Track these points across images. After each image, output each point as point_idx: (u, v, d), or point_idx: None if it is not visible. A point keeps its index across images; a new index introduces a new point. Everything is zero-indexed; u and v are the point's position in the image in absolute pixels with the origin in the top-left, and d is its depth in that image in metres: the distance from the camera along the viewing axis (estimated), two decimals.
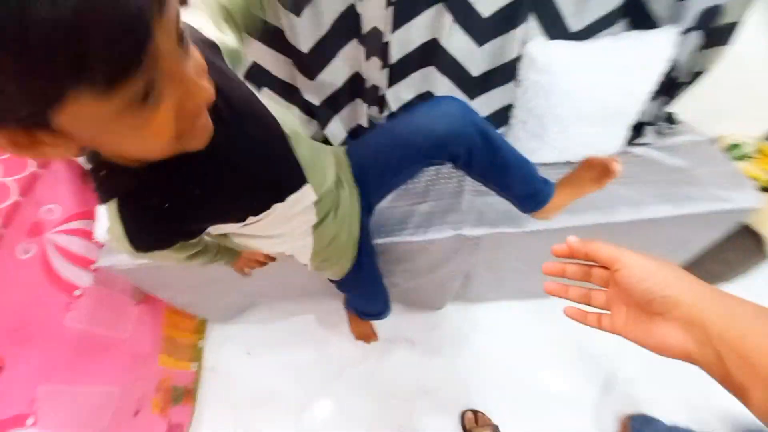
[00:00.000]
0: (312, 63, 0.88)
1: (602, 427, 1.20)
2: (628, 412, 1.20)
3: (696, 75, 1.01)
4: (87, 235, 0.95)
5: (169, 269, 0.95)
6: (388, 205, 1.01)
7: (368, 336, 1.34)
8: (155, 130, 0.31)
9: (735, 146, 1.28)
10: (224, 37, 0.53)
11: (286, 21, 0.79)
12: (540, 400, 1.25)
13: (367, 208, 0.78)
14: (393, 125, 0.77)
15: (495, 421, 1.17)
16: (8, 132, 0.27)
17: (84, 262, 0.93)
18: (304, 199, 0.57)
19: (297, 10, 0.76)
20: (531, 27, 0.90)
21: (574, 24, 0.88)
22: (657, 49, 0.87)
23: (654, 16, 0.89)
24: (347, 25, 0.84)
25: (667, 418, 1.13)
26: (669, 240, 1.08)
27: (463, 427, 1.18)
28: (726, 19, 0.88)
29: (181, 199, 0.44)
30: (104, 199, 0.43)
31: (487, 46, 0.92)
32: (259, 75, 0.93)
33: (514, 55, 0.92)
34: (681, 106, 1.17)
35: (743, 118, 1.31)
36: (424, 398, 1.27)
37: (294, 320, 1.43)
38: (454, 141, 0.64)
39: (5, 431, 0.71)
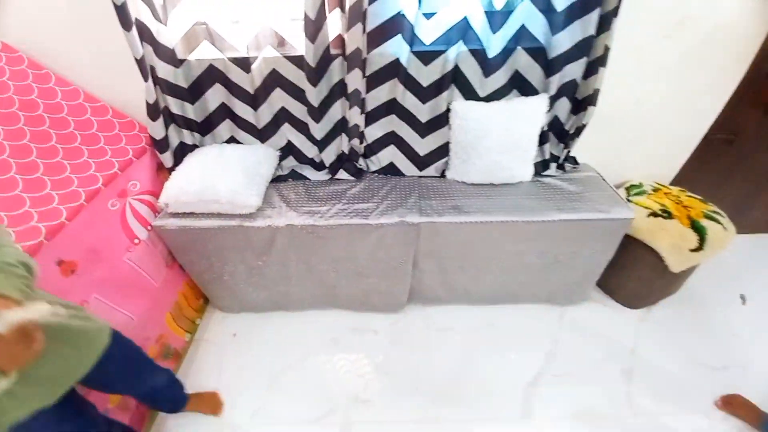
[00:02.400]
0: (317, 112, 1.39)
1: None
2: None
3: (580, 128, 1.46)
4: (151, 206, 1.38)
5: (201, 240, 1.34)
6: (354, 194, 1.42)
7: (213, 410, 1.37)
8: None
9: (635, 186, 1.66)
10: None
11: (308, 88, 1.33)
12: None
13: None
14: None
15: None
16: None
17: (145, 223, 1.34)
18: None
19: (314, 83, 1.30)
20: (455, 92, 1.41)
21: (481, 92, 1.38)
22: (535, 107, 1.34)
23: (534, 87, 1.38)
24: (339, 90, 1.37)
25: None
26: (567, 241, 1.39)
27: None
28: (586, 89, 1.36)
29: None
30: None
31: (429, 103, 1.42)
32: (287, 116, 1.46)
33: (443, 109, 1.41)
34: (595, 157, 1.61)
35: (652, 168, 1.73)
36: (384, 378, 1.46)
37: (286, 322, 1.69)
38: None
39: None
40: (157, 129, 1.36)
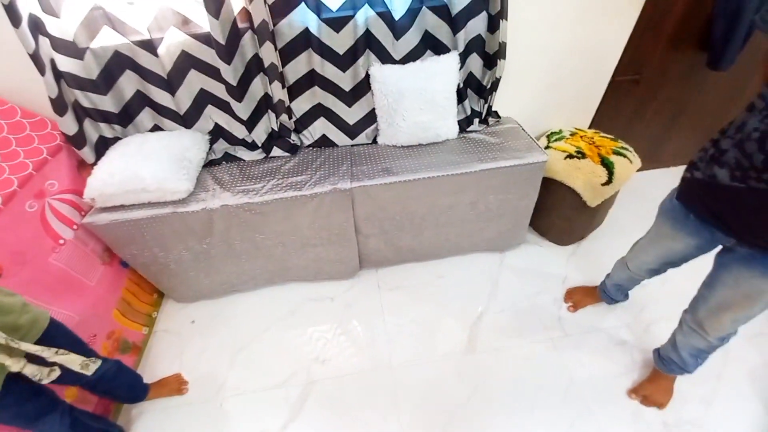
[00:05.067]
0: (236, 90, 1.38)
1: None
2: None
3: (495, 82, 1.53)
4: (74, 204, 1.35)
5: (133, 228, 1.34)
6: (288, 169, 1.45)
7: (178, 389, 1.41)
8: None
9: (555, 133, 1.78)
10: None
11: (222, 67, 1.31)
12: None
13: None
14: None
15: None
16: None
17: (69, 222, 1.32)
18: None
19: (227, 60, 1.28)
20: (372, 57, 1.44)
21: (396, 55, 1.42)
22: (447, 65, 1.40)
23: (446, 46, 1.43)
24: (256, 65, 1.37)
25: None
26: (492, 189, 1.50)
27: None
28: (493, 43, 1.42)
29: None
30: None
31: (348, 71, 1.44)
32: (208, 98, 1.44)
33: (362, 76, 1.45)
34: (516, 109, 1.71)
35: (571, 116, 1.85)
36: (341, 338, 1.56)
37: (242, 303, 1.74)
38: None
39: None
40: (67, 124, 1.31)
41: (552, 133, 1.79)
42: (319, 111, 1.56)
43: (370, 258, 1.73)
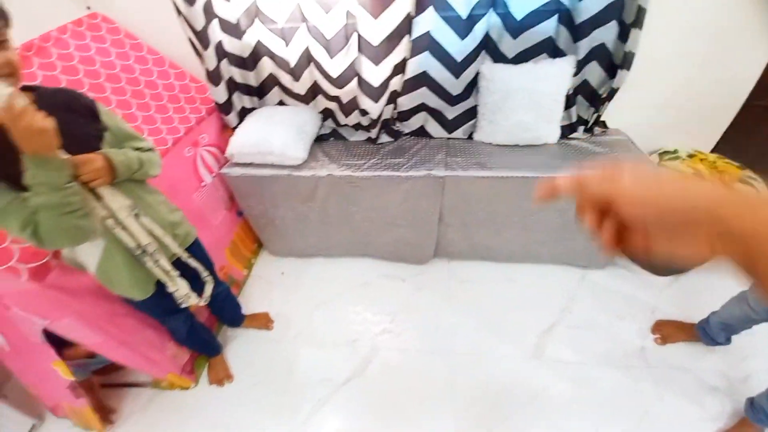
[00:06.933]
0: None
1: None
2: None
3: (612, 92, 1.48)
4: (215, 156, 1.65)
5: (258, 186, 1.59)
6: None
7: (220, 380, 1.48)
8: None
9: (669, 152, 1.65)
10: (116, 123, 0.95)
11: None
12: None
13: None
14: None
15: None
16: None
17: (210, 170, 1.62)
18: None
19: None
20: (485, 57, 1.49)
21: (509, 54, 1.45)
22: (561, 69, 1.39)
23: (562, 51, 1.42)
24: None
25: None
26: None
27: None
28: (618, 52, 1.38)
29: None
30: None
31: (461, 77, 1.51)
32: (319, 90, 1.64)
33: (472, 77, 1.51)
34: (628, 122, 1.63)
35: (689, 137, 1.71)
36: (408, 316, 1.66)
37: (325, 266, 1.94)
38: None
39: None
40: (219, 93, 1.60)
41: (665, 151, 1.66)
42: (421, 107, 1.66)
43: (445, 248, 1.79)
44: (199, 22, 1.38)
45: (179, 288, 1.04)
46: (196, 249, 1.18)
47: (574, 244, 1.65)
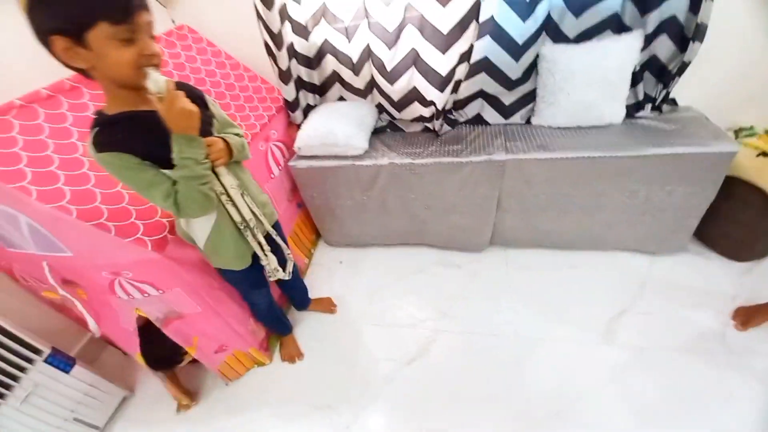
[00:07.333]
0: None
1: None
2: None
3: (682, 67, 1.42)
4: (282, 150, 1.78)
5: (323, 179, 1.69)
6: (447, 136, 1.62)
7: (291, 357, 1.57)
8: (123, 61, 0.69)
9: (745, 128, 1.56)
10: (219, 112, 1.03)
11: None
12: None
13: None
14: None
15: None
16: (64, 40, 0.63)
17: (278, 163, 1.75)
18: None
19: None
20: (543, 37, 1.50)
21: (570, 34, 1.45)
22: (627, 44, 1.36)
23: (628, 26, 1.39)
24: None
25: None
26: (661, 178, 1.40)
27: None
28: (689, 24, 1.33)
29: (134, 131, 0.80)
30: (93, 126, 0.78)
31: (521, 60, 1.52)
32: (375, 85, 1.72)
33: (532, 60, 1.52)
34: (696, 96, 1.56)
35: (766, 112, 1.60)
36: (465, 301, 1.68)
37: (382, 254, 2.02)
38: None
39: None
40: (289, 92, 1.73)
41: (741, 128, 1.56)
42: (478, 94, 1.69)
43: (502, 235, 1.79)
44: (276, 25, 1.51)
45: (270, 262, 1.14)
46: (278, 229, 1.29)
47: (642, 228, 1.60)
